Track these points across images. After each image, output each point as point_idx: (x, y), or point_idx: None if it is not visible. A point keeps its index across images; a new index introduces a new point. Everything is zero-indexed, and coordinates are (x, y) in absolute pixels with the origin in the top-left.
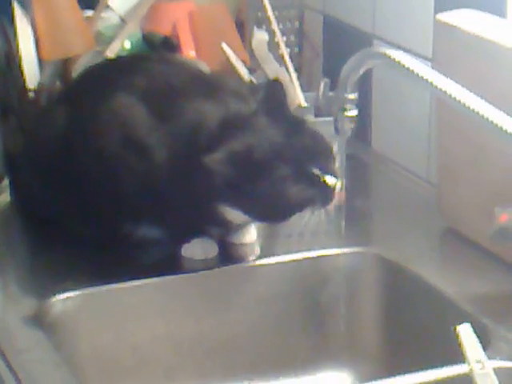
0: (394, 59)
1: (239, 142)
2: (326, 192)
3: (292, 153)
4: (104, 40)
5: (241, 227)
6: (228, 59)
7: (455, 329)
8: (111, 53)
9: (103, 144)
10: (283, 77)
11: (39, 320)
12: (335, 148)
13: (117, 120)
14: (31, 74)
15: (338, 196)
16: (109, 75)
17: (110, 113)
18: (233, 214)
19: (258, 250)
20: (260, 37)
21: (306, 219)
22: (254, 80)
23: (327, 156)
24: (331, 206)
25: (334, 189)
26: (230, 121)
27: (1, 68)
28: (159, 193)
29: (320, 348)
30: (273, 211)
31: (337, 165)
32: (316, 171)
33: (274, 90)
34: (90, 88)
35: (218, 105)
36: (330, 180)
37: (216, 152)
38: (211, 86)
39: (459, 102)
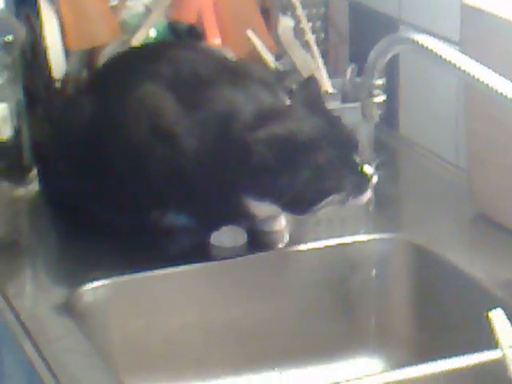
0: (421, 44)
1: (282, 126)
2: (363, 181)
3: (332, 141)
4: (129, 29)
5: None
6: (254, 46)
7: (487, 314)
8: (137, 42)
9: (131, 132)
10: (309, 63)
11: (70, 309)
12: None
13: (144, 108)
14: (57, 64)
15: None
16: (135, 64)
17: (137, 101)
18: (258, 208)
19: (286, 238)
20: (285, 23)
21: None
22: (281, 67)
23: (363, 149)
24: (366, 197)
25: (370, 179)
26: (265, 111)
27: (27, 59)
28: (187, 181)
29: (350, 334)
30: (307, 199)
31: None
32: (355, 159)
33: (310, 87)
34: (116, 77)
35: (246, 94)
36: (367, 169)
37: (261, 131)
38: (238, 73)
39: (488, 85)
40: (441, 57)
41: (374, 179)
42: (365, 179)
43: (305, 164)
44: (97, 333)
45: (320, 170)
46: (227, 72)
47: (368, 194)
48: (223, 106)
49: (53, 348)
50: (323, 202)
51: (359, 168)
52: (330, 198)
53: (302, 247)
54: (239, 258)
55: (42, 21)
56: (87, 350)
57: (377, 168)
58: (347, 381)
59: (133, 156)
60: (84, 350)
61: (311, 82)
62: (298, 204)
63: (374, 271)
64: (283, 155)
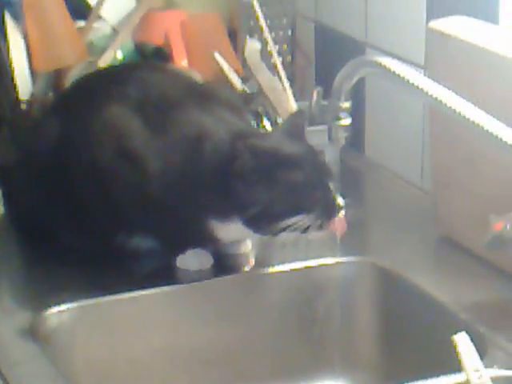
0: (387, 67)
1: (265, 142)
2: (333, 208)
3: (309, 165)
4: (96, 50)
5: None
6: (220, 68)
7: (452, 338)
8: (103, 63)
9: (96, 155)
10: (276, 85)
11: (34, 333)
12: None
13: (110, 130)
14: (23, 85)
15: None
16: (101, 85)
17: (104, 123)
18: (223, 231)
19: (252, 261)
20: (252, 46)
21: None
22: (247, 89)
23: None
24: (331, 224)
25: (339, 208)
26: (245, 131)
27: None
28: (152, 204)
29: (317, 357)
30: (275, 214)
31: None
32: (329, 186)
33: (296, 120)
34: (82, 99)
35: (214, 116)
36: (339, 199)
37: (247, 140)
38: (205, 96)
39: (452, 109)
40: (406, 80)
41: (342, 213)
42: (335, 206)
43: (281, 179)
44: (61, 357)
45: (294, 187)
46: (194, 94)
47: (333, 223)
48: (191, 128)
49: (16, 372)
50: (290, 220)
51: (332, 195)
52: (298, 217)
53: (268, 270)
54: (205, 281)
55: (8, 42)
56: (51, 374)
57: (343, 196)
58: None
59: (98, 179)
60: (48, 375)
61: (299, 114)
62: (265, 218)
63: (339, 294)
64: (263, 165)
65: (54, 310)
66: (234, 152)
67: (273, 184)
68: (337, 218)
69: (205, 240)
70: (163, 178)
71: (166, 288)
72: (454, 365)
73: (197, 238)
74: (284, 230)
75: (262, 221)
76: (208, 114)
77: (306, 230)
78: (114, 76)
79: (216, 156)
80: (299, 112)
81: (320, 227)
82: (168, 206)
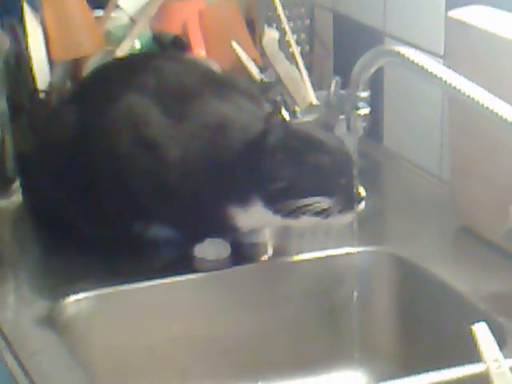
0: (406, 57)
1: (297, 124)
2: (354, 198)
3: (337, 154)
4: (114, 40)
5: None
6: (238, 58)
7: (471, 328)
8: (121, 52)
9: (115, 143)
10: (294, 75)
11: (52, 321)
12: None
13: (129, 119)
14: (41, 74)
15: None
16: (119, 75)
17: (122, 112)
18: (243, 219)
19: (270, 250)
20: (270, 35)
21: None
22: (265, 79)
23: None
24: (350, 216)
25: (360, 200)
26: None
27: (11, 69)
28: (171, 193)
29: (335, 347)
30: (297, 192)
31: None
32: (354, 177)
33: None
34: (100, 88)
35: (233, 105)
36: (362, 191)
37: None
38: (223, 85)
39: (471, 99)
40: (425, 70)
41: (363, 204)
42: (356, 198)
43: (309, 159)
44: (79, 345)
45: (320, 170)
46: (213, 83)
47: (352, 215)
48: (212, 116)
49: (35, 361)
50: (311, 199)
51: (355, 184)
52: (320, 198)
53: (286, 260)
54: (223, 271)
55: (26, 31)
56: (69, 363)
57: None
58: None
59: (117, 167)
60: (66, 363)
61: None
62: (288, 195)
63: (357, 284)
64: (294, 144)
65: (72, 298)
66: (268, 127)
67: (300, 163)
68: (356, 210)
69: (223, 229)
70: (182, 166)
71: (183, 277)
72: (473, 355)
73: (215, 226)
74: (304, 211)
75: (283, 198)
76: (227, 103)
77: (326, 215)
78: (131, 65)
79: (240, 138)
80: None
81: (340, 214)
82: (187, 194)
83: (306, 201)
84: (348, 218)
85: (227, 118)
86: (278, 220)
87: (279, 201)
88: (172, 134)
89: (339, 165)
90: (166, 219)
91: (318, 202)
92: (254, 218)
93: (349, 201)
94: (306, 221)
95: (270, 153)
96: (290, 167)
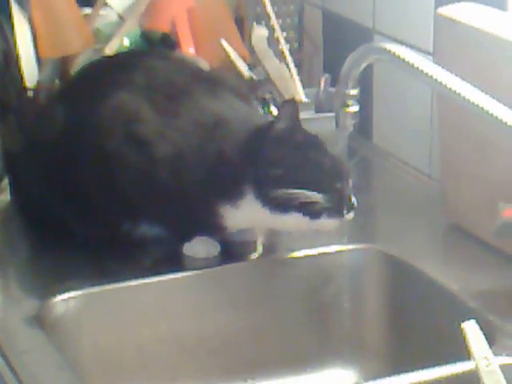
0: (395, 54)
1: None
2: (344, 205)
3: (333, 161)
4: (102, 38)
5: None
6: (227, 55)
7: (461, 326)
8: (110, 50)
9: (105, 141)
10: (283, 73)
11: (41, 320)
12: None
13: (119, 116)
14: (30, 72)
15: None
16: (108, 73)
17: (112, 109)
18: (234, 217)
19: (260, 248)
20: (259, 33)
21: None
22: (254, 76)
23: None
24: (336, 222)
25: (351, 208)
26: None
27: None
28: (161, 191)
29: (324, 345)
30: (290, 181)
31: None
32: (349, 184)
33: (289, 110)
34: (89, 86)
35: (223, 103)
36: (354, 200)
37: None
38: (213, 83)
39: (461, 96)
40: (414, 67)
41: (352, 214)
42: (347, 205)
43: (310, 155)
44: (68, 345)
45: (318, 168)
46: (202, 81)
47: (340, 221)
48: (203, 113)
49: (23, 360)
50: (304, 192)
51: (349, 192)
52: (310, 193)
53: (276, 258)
54: (212, 269)
55: (14, 29)
56: (58, 362)
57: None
58: None
59: (106, 165)
60: (55, 363)
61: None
62: (282, 185)
63: (347, 282)
64: (299, 137)
65: (61, 297)
66: (279, 113)
67: (301, 156)
68: (346, 216)
69: (213, 228)
70: (173, 164)
71: (172, 275)
72: (462, 353)
73: (205, 225)
74: (295, 203)
75: (277, 186)
76: (218, 100)
77: (315, 215)
78: (120, 63)
79: (233, 134)
80: (289, 101)
81: (328, 217)
82: (177, 192)
83: (299, 192)
84: (335, 223)
85: (219, 115)
86: (266, 216)
87: (272, 188)
88: (163, 131)
89: (337, 170)
90: (156, 217)
91: (309, 197)
92: (243, 216)
93: (340, 204)
94: (293, 220)
95: (274, 139)
96: (290, 157)
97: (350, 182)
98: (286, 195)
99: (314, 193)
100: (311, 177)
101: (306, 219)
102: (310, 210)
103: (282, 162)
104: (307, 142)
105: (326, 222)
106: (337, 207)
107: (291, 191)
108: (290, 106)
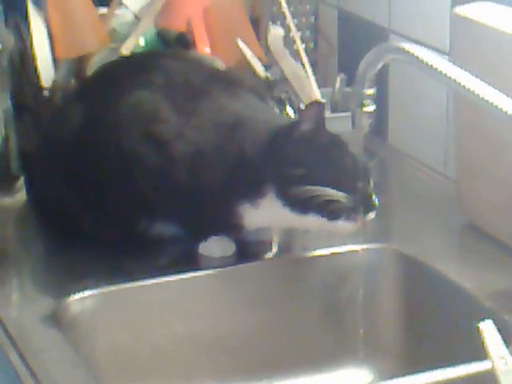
0: (412, 54)
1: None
2: (369, 203)
3: (358, 160)
4: (118, 37)
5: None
6: (243, 55)
7: (477, 326)
8: (126, 50)
9: (124, 138)
10: (299, 72)
11: (57, 319)
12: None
13: (139, 114)
14: (46, 72)
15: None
16: (126, 72)
17: (131, 108)
18: (252, 217)
19: (275, 247)
20: (275, 32)
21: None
22: (270, 76)
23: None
24: (357, 222)
25: (374, 207)
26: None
27: (15, 67)
28: (179, 190)
29: (340, 345)
30: (309, 180)
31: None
32: (371, 183)
33: (314, 112)
34: (107, 85)
35: (242, 102)
36: (376, 200)
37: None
38: (230, 82)
39: (477, 95)
40: (431, 66)
41: (373, 214)
42: (369, 204)
43: (332, 155)
44: (84, 344)
45: (340, 168)
46: (220, 81)
47: (359, 223)
48: (223, 113)
49: (39, 359)
50: (325, 191)
51: (371, 192)
52: (332, 191)
53: (291, 257)
54: (228, 268)
55: (30, 29)
56: (74, 361)
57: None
58: None
59: (124, 164)
60: (71, 361)
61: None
62: (303, 184)
63: (363, 281)
64: (322, 137)
65: (77, 296)
66: (305, 114)
67: (323, 156)
68: (367, 216)
69: (230, 227)
70: (192, 163)
71: (188, 274)
72: (479, 353)
73: (223, 225)
74: (316, 203)
75: (299, 185)
76: (237, 99)
77: (334, 216)
78: (138, 64)
79: (254, 133)
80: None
81: (349, 215)
82: (196, 192)
83: (321, 189)
84: (353, 227)
85: (238, 114)
86: (286, 216)
87: (294, 187)
88: (182, 130)
89: (359, 169)
90: (173, 217)
91: (331, 196)
92: (263, 215)
93: (363, 205)
94: (312, 221)
95: (298, 140)
96: (312, 157)
97: (372, 181)
98: (308, 193)
99: (336, 192)
100: (333, 176)
101: (325, 221)
102: (331, 210)
103: (304, 161)
104: (330, 143)
105: (344, 225)
106: (358, 207)
107: (313, 188)
108: (316, 107)
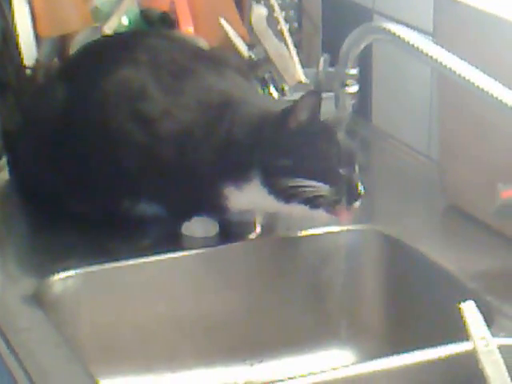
0: (395, 34)
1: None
2: (354, 192)
3: (344, 147)
4: (101, 16)
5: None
6: (226, 35)
7: (459, 306)
8: (109, 29)
9: (108, 117)
10: (282, 52)
11: (39, 299)
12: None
13: (123, 93)
14: (28, 51)
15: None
16: (110, 51)
17: (116, 86)
18: (236, 199)
19: (258, 228)
20: (259, 12)
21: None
22: (253, 56)
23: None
24: (344, 213)
25: (360, 196)
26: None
27: None
28: (163, 169)
29: (322, 326)
30: (295, 171)
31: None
32: (356, 171)
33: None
34: (91, 63)
35: (228, 81)
36: (361, 188)
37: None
38: (215, 61)
39: (460, 76)
40: (414, 47)
41: (358, 203)
42: (356, 192)
43: (320, 144)
44: (66, 323)
45: (327, 157)
46: (205, 60)
47: (343, 209)
48: (210, 92)
49: (22, 338)
50: (310, 182)
51: (356, 181)
52: (319, 183)
53: (274, 238)
54: (210, 249)
55: (13, 7)
56: (56, 340)
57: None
58: (318, 372)
59: (109, 141)
60: (53, 341)
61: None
62: (288, 174)
63: (345, 262)
64: (312, 126)
65: (59, 276)
66: (301, 103)
67: (311, 147)
68: (352, 206)
69: (215, 208)
70: (178, 142)
71: (171, 255)
72: (460, 333)
73: (207, 205)
74: (300, 193)
75: (284, 176)
76: (223, 78)
77: (316, 204)
78: (122, 42)
79: (243, 114)
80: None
81: (332, 206)
82: (181, 171)
83: (306, 183)
84: (336, 218)
85: (226, 94)
86: (270, 202)
87: (279, 178)
88: (168, 108)
89: (345, 157)
90: (156, 196)
91: (315, 187)
92: (247, 199)
93: (348, 195)
94: (297, 209)
95: (291, 130)
96: (301, 148)
97: (357, 169)
98: (292, 184)
99: (321, 184)
100: (319, 169)
101: (310, 210)
102: (315, 203)
103: (293, 152)
104: (320, 132)
105: (325, 215)
106: (342, 198)
107: (299, 183)
108: (313, 97)
